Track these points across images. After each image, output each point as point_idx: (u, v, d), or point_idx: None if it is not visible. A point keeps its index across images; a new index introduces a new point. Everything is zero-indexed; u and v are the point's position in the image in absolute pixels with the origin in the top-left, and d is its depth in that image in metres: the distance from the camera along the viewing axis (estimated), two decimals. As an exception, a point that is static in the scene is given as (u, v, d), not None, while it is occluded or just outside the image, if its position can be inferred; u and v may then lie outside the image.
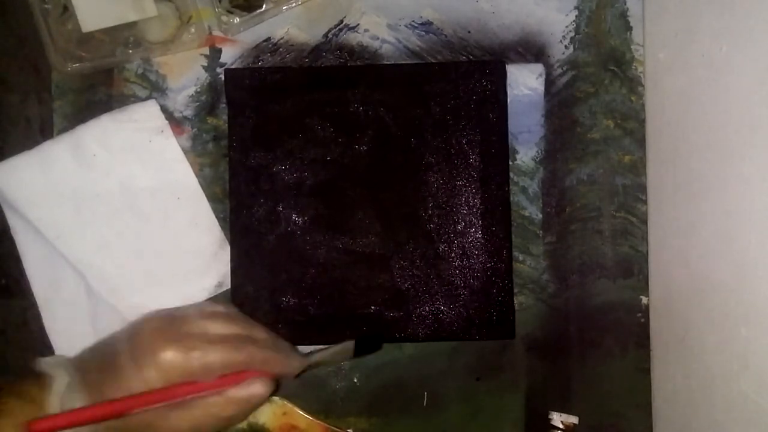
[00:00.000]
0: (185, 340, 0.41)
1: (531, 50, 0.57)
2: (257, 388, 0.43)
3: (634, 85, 0.57)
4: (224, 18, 0.55)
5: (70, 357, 0.44)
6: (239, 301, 0.54)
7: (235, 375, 0.43)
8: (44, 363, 0.42)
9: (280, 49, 0.57)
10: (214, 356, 0.41)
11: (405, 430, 0.56)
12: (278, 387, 0.46)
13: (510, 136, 0.56)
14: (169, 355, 0.40)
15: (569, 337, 0.56)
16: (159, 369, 0.40)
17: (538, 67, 0.57)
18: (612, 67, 0.57)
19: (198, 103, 0.56)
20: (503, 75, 0.55)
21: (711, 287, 0.47)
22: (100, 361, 0.42)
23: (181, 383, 0.41)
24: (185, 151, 0.55)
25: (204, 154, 0.56)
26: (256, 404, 0.44)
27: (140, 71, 0.56)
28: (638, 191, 0.57)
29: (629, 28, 0.57)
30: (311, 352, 0.49)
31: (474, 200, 0.55)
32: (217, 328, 0.43)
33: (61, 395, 0.40)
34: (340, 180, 0.55)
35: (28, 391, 0.40)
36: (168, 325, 0.43)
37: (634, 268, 0.56)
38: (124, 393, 0.40)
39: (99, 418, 0.39)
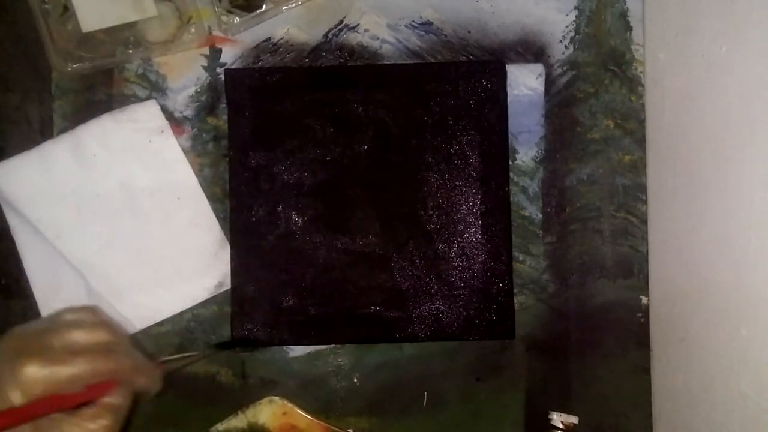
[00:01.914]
0: (47, 352, 0.39)
1: (531, 50, 0.57)
2: (123, 397, 0.41)
3: (634, 85, 0.57)
4: (224, 18, 0.55)
5: None
6: (239, 301, 0.54)
7: (103, 384, 0.40)
8: None
9: (280, 49, 0.57)
10: (79, 366, 0.39)
11: (405, 430, 0.56)
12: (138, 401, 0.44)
13: (510, 136, 0.56)
14: (31, 371, 0.37)
15: (569, 337, 0.56)
16: (22, 387, 0.37)
17: (538, 67, 0.57)
18: (612, 67, 0.57)
19: (198, 103, 0.56)
20: (503, 75, 0.55)
21: (711, 287, 0.47)
22: None
23: (47, 396, 0.38)
24: (185, 151, 0.55)
25: (204, 154, 0.56)
26: (124, 414, 0.41)
27: (140, 71, 0.56)
28: (638, 191, 0.57)
29: (629, 28, 0.57)
30: (165, 361, 0.47)
31: (474, 200, 0.55)
32: (81, 336, 0.40)
33: None
34: (340, 180, 0.55)
35: None
36: (27, 340, 0.40)
37: (634, 268, 0.56)
38: None
39: None
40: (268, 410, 0.54)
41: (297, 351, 0.56)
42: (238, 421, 0.54)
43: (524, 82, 0.57)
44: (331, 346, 0.56)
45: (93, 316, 0.43)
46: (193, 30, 0.55)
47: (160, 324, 0.55)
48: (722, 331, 0.46)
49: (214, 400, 0.55)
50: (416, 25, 0.57)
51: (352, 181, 0.55)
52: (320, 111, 0.55)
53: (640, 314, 0.56)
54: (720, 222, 0.46)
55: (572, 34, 0.57)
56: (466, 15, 0.57)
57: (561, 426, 0.55)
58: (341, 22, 0.57)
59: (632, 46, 0.57)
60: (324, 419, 0.55)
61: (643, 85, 0.57)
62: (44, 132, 0.56)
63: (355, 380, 0.56)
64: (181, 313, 0.55)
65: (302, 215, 0.54)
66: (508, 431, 0.56)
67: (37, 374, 0.38)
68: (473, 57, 0.57)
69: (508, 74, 0.56)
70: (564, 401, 0.56)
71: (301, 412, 0.54)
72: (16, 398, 0.37)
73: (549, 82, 0.57)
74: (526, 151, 0.57)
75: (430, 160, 0.55)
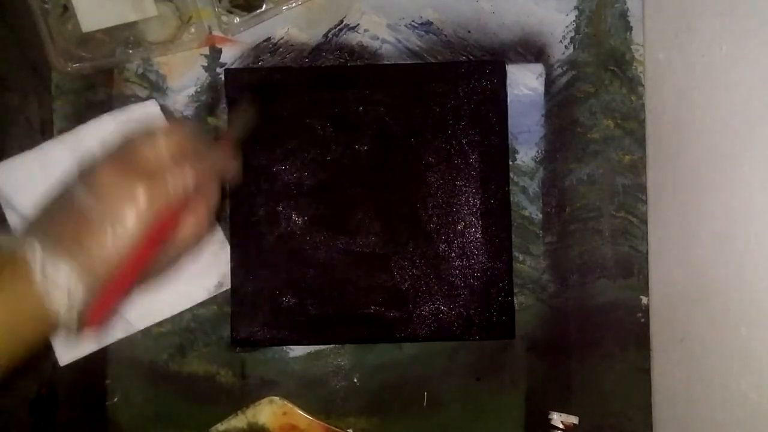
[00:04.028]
0: (153, 174, 0.39)
1: (531, 50, 0.57)
2: (216, 190, 0.43)
3: (634, 85, 0.57)
4: (224, 18, 0.55)
5: (26, 225, 0.40)
6: (239, 301, 0.54)
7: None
8: (4, 240, 0.38)
9: (280, 49, 0.57)
10: (188, 177, 0.40)
11: (405, 430, 0.56)
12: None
13: (510, 136, 0.56)
14: (142, 196, 0.38)
15: (569, 337, 0.56)
16: (138, 211, 0.38)
17: (538, 67, 0.57)
18: (612, 67, 0.57)
19: (198, 103, 0.56)
20: (503, 75, 0.55)
21: (711, 287, 0.47)
22: (63, 219, 0.39)
23: (162, 210, 0.39)
24: (185, 151, 0.55)
25: (204, 154, 0.56)
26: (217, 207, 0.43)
27: (140, 71, 0.56)
28: (638, 191, 0.57)
29: (629, 28, 0.57)
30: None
31: (474, 200, 0.55)
32: (171, 145, 0.40)
33: (41, 262, 0.37)
34: (340, 180, 0.55)
35: (2, 268, 0.37)
36: (125, 163, 0.39)
37: (634, 268, 0.56)
38: (110, 243, 0.38)
39: (131, 281, 0.39)
40: (268, 410, 0.54)
41: (297, 351, 0.56)
42: (238, 421, 0.54)
43: (524, 82, 0.57)
44: (331, 346, 0.56)
45: (168, 123, 0.43)
46: (193, 30, 0.55)
47: (160, 324, 0.55)
48: (722, 331, 0.46)
49: (214, 400, 0.55)
50: (416, 25, 0.57)
51: (352, 181, 0.55)
52: (320, 111, 0.55)
53: (640, 314, 0.56)
54: (720, 222, 0.46)
55: (572, 34, 0.57)
56: (466, 15, 0.57)
57: (561, 426, 0.55)
58: (341, 22, 0.57)
59: (632, 46, 0.57)
60: (324, 419, 0.55)
61: (643, 85, 0.57)
62: (44, 132, 0.56)
63: (355, 380, 0.56)
64: (181, 313, 0.55)
65: (302, 215, 0.54)
66: (508, 431, 0.56)
67: (151, 196, 0.38)
68: (473, 57, 0.57)
69: (508, 74, 0.56)
70: (564, 401, 0.56)
71: (301, 412, 0.54)
72: (131, 219, 0.38)
73: (549, 82, 0.57)
74: (526, 151, 0.57)
75: (430, 160, 0.55)
